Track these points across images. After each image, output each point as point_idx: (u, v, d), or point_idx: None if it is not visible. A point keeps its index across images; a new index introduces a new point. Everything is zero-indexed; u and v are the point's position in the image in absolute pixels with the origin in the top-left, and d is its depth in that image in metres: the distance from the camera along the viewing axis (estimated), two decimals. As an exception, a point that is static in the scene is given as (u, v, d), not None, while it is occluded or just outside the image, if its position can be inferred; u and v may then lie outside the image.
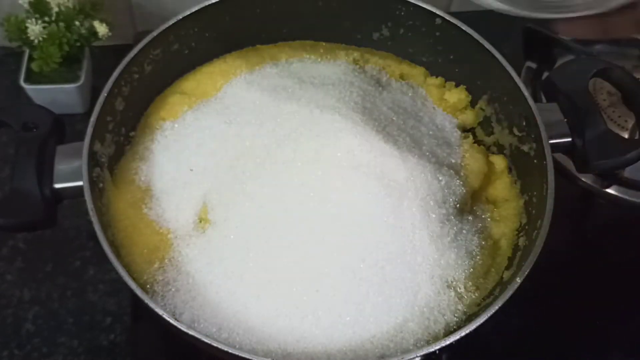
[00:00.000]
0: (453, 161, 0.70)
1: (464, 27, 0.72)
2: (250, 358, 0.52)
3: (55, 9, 0.80)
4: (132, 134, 0.71)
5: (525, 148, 0.68)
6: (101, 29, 0.82)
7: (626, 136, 0.86)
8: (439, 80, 0.78)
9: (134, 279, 0.55)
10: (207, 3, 0.72)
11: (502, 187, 0.71)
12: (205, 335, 0.53)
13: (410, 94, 0.76)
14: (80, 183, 0.59)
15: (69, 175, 0.60)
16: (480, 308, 0.61)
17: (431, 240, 0.63)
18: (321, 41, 0.80)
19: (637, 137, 0.86)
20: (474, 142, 0.75)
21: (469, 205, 0.69)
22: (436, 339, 0.60)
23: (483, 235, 0.67)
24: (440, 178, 0.66)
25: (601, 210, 0.88)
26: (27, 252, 0.78)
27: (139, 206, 0.66)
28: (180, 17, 0.71)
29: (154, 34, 0.69)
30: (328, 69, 0.77)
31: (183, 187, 0.66)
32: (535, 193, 0.66)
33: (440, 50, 0.76)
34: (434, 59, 0.78)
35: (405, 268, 0.61)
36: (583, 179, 0.86)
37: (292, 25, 0.79)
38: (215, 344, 0.52)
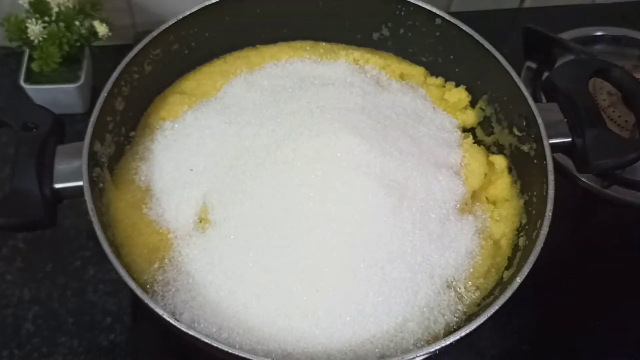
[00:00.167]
0: (453, 161, 0.70)
1: (464, 27, 0.72)
2: (250, 358, 0.52)
3: (55, 9, 0.80)
4: (132, 134, 0.72)
5: (525, 148, 0.68)
6: (101, 29, 0.82)
7: (626, 136, 0.86)
8: (439, 80, 0.78)
9: (134, 279, 0.55)
10: (207, 3, 0.72)
11: (502, 187, 0.71)
12: (205, 335, 0.53)
13: (410, 94, 0.76)
14: (80, 183, 0.59)
15: (69, 175, 0.60)
16: (480, 308, 0.61)
17: (431, 240, 0.63)
18: (321, 41, 0.80)
19: (637, 137, 0.86)
20: (474, 142, 0.74)
21: (469, 205, 0.69)
22: (436, 339, 0.60)
23: (483, 235, 0.67)
24: (440, 178, 0.66)
25: (601, 210, 0.88)
26: (27, 252, 0.78)
27: (139, 206, 0.66)
28: (180, 17, 0.71)
29: (154, 34, 0.69)
30: (328, 69, 0.77)
31: (183, 187, 0.66)
32: (535, 193, 0.66)
33: (440, 50, 0.76)
34: (434, 59, 0.78)
35: (405, 268, 0.61)
36: (583, 179, 0.86)
37: (292, 25, 0.79)
38: (215, 344, 0.52)
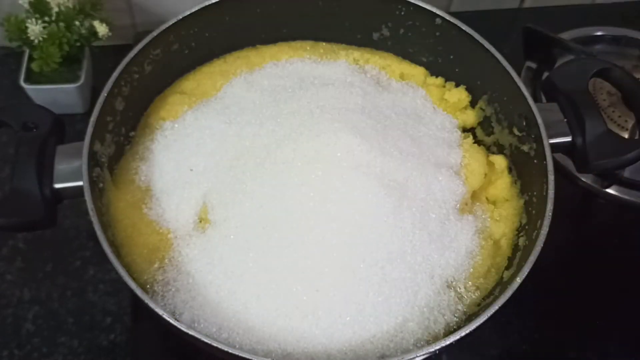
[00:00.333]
0: (453, 161, 0.70)
1: (464, 27, 0.72)
2: (250, 358, 0.52)
3: (55, 9, 0.80)
4: (132, 134, 0.72)
5: (525, 148, 0.68)
6: (101, 29, 0.82)
7: (626, 136, 0.86)
8: (439, 80, 0.78)
9: (134, 279, 0.55)
10: (207, 3, 0.72)
11: (502, 187, 0.71)
12: (205, 335, 0.53)
13: (410, 94, 0.76)
14: (80, 183, 0.59)
15: (69, 175, 0.60)
16: (480, 308, 0.61)
17: (431, 240, 0.63)
18: (321, 41, 0.80)
19: (637, 137, 0.86)
20: (474, 142, 0.74)
21: (469, 205, 0.69)
22: (436, 339, 0.60)
23: (483, 235, 0.67)
24: (440, 178, 0.66)
25: (601, 210, 0.88)
26: (27, 252, 0.78)
27: (139, 206, 0.66)
28: (180, 17, 0.71)
29: (154, 34, 0.69)
30: (328, 69, 0.77)
31: (183, 187, 0.66)
32: (535, 193, 0.66)
33: (440, 50, 0.76)
34: (434, 59, 0.78)
35: (405, 268, 0.61)
36: (583, 179, 0.86)
37: (292, 25, 0.79)
38: (215, 344, 0.52)
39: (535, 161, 0.66)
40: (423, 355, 0.55)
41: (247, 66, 0.77)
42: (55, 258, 0.77)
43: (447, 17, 0.72)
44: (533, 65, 0.95)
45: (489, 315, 0.55)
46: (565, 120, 0.67)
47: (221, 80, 0.75)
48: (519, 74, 0.70)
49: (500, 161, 0.72)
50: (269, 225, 0.61)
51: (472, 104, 0.76)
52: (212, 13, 0.73)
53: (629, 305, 0.80)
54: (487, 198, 0.71)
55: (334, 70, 0.77)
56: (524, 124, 0.68)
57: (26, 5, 0.80)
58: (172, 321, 0.53)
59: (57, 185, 0.60)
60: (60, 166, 0.60)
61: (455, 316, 0.62)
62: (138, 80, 0.69)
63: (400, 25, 0.77)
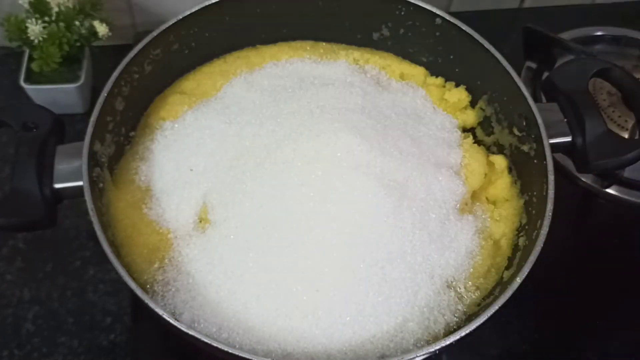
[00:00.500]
0: (453, 161, 0.70)
1: (464, 27, 0.72)
2: (250, 358, 0.52)
3: (55, 9, 0.80)
4: (132, 134, 0.72)
5: (525, 148, 0.68)
6: (101, 29, 0.82)
7: (626, 136, 0.86)
8: (439, 80, 0.78)
9: (134, 279, 0.55)
10: (207, 3, 0.72)
11: (502, 187, 0.71)
12: (205, 335, 0.53)
13: (410, 94, 0.76)
14: (80, 183, 0.59)
15: (69, 175, 0.60)
16: (480, 308, 0.61)
17: (431, 240, 0.63)
18: (321, 41, 0.80)
19: (637, 137, 0.86)
20: (474, 142, 0.74)
21: (469, 205, 0.69)
22: (436, 339, 0.60)
23: (483, 235, 0.67)
24: (440, 178, 0.66)
25: (601, 210, 0.88)
26: (27, 252, 0.78)
27: (139, 206, 0.66)
28: (180, 17, 0.71)
29: (154, 34, 0.69)
30: (328, 69, 0.77)
31: (183, 187, 0.66)
32: (535, 193, 0.66)
33: (440, 50, 0.76)
34: (434, 59, 0.78)
35: (405, 268, 0.61)
36: (583, 179, 0.86)
37: (292, 25, 0.79)
38: (215, 344, 0.52)
39: (535, 161, 0.66)
40: (423, 355, 0.55)
41: (247, 66, 0.77)
42: (55, 258, 0.77)
43: (447, 17, 0.72)
44: (533, 65, 0.95)
45: (489, 315, 0.55)
46: (565, 120, 0.67)
47: (221, 80, 0.75)
48: (519, 74, 0.70)
49: (500, 161, 0.72)
50: (269, 225, 0.61)
51: (472, 104, 0.76)
52: (212, 13, 0.73)
53: (629, 305, 0.80)
54: (487, 198, 0.71)
55: (334, 70, 0.77)
56: (524, 124, 0.68)
57: (26, 5, 0.80)
58: (172, 321, 0.53)
59: (57, 185, 0.60)
60: (60, 166, 0.60)
61: (455, 316, 0.62)
62: (138, 80, 0.69)
63: (400, 25, 0.77)
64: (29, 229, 0.63)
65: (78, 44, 0.81)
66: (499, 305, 0.55)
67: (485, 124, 0.76)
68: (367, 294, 0.60)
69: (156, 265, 0.62)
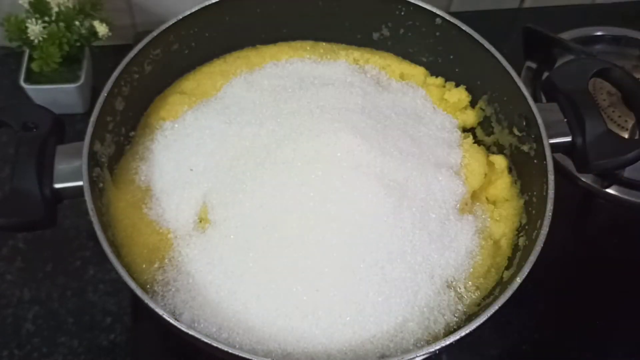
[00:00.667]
0: (453, 161, 0.70)
1: (464, 27, 0.72)
2: (250, 358, 0.52)
3: (55, 9, 0.80)
4: (132, 134, 0.72)
5: (525, 148, 0.68)
6: (101, 29, 0.82)
7: (626, 136, 0.86)
8: (439, 80, 0.78)
9: (134, 279, 0.55)
10: (207, 3, 0.72)
11: (502, 187, 0.71)
12: (205, 335, 0.53)
13: (410, 94, 0.76)
14: (80, 183, 0.59)
15: (69, 175, 0.60)
16: (480, 308, 0.61)
17: (431, 240, 0.63)
18: (321, 41, 0.80)
19: (637, 137, 0.86)
20: (474, 142, 0.74)
21: (469, 205, 0.69)
22: (436, 339, 0.60)
23: (483, 235, 0.67)
24: (440, 178, 0.66)
25: (601, 210, 0.88)
26: (27, 252, 0.78)
27: (139, 206, 0.66)
28: (180, 17, 0.71)
29: (154, 34, 0.69)
30: (328, 69, 0.77)
31: (183, 187, 0.66)
32: (535, 193, 0.66)
33: (440, 50, 0.76)
34: (434, 59, 0.78)
35: (405, 268, 0.61)
36: (583, 179, 0.86)
37: (292, 25, 0.79)
38: (215, 344, 0.52)
39: (535, 161, 0.66)
40: (423, 355, 0.55)
41: (247, 66, 0.77)
42: (55, 258, 0.77)
43: (447, 17, 0.72)
44: (533, 65, 0.95)
45: (489, 315, 0.55)
46: (565, 120, 0.67)
47: (221, 80, 0.75)
48: (519, 74, 0.70)
49: (500, 161, 0.72)
50: (269, 225, 0.61)
51: (472, 104, 0.76)
52: (212, 13, 0.73)
53: (629, 305, 0.80)
54: (487, 198, 0.71)
55: (334, 70, 0.77)
56: (524, 124, 0.68)
57: (26, 5, 0.80)
58: (172, 321, 0.53)
59: (57, 185, 0.60)
60: (60, 166, 0.60)
61: (455, 316, 0.62)
62: (138, 80, 0.69)
63: (400, 25, 0.77)
64: (29, 229, 0.63)
65: (78, 44, 0.81)
66: (499, 305, 0.55)
67: (485, 124, 0.76)
68: (367, 294, 0.60)
69: (156, 265, 0.62)
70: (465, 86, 0.76)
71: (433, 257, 0.63)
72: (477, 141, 0.75)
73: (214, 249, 0.62)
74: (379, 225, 0.61)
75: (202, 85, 0.75)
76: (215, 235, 0.63)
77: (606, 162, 0.66)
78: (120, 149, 0.69)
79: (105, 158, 0.65)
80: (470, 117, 0.76)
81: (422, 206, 0.64)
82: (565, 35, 0.96)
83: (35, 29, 0.78)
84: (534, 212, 0.65)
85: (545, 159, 0.63)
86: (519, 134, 0.69)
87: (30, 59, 0.81)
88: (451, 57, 0.76)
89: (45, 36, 0.78)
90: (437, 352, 0.55)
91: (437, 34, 0.75)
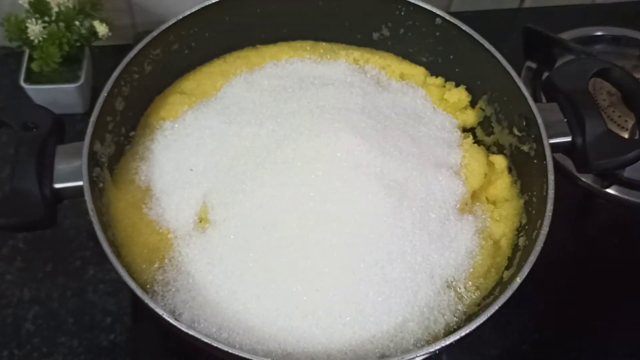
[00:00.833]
0: (453, 161, 0.70)
1: (464, 27, 0.72)
2: (250, 358, 0.52)
3: (55, 9, 0.80)
4: (132, 133, 0.72)
5: (525, 148, 0.68)
6: (101, 29, 0.82)
7: (626, 136, 0.86)
8: (439, 80, 0.78)
9: (134, 279, 0.55)
10: (207, 3, 0.72)
11: (502, 187, 0.71)
12: (205, 335, 0.53)
13: (410, 94, 0.76)
14: (80, 183, 0.59)
15: (69, 175, 0.60)
16: (480, 308, 0.61)
17: (431, 240, 0.63)
18: (321, 41, 0.80)
19: (637, 137, 0.86)
20: (474, 142, 0.74)
21: (469, 205, 0.69)
22: (436, 339, 0.60)
23: (483, 235, 0.67)
24: (440, 178, 0.66)
25: (601, 210, 0.88)
26: (27, 252, 0.78)
27: (139, 206, 0.66)
28: (180, 17, 0.71)
29: (154, 34, 0.69)
30: (328, 69, 0.77)
31: (183, 187, 0.66)
32: (535, 193, 0.66)
33: (440, 50, 0.76)
34: (434, 59, 0.78)
35: (405, 268, 0.61)
36: (583, 179, 0.86)
37: (292, 25, 0.79)
38: (215, 344, 0.52)
39: (535, 161, 0.66)
40: (423, 355, 0.55)
41: (247, 66, 0.77)
42: (55, 258, 0.77)
43: (447, 17, 0.72)
44: (533, 65, 0.95)
45: (489, 315, 0.55)
46: (565, 120, 0.67)
47: (221, 80, 0.75)
48: (519, 74, 0.70)
49: (500, 161, 0.72)
50: (269, 225, 0.61)
51: (472, 104, 0.76)
52: (212, 13, 0.73)
53: (629, 305, 0.80)
54: (487, 198, 0.71)
55: (334, 70, 0.77)
56: (524, 124, 0.68)
57: (26, 5, 0.80)
58: (172, 321, 0.53)
59: (57, 185, 0.60)
60: (60, 166, 0.60)
61: (455, 316, 0.62)
62: (138, 80, 0.69)
63: (400, 25, 0.77)
64: (29, 229, 0.63)
65: (78, 44, 0.81)
66: (499, 305, 0.55)
67: (485, 124, 0.76)
68: (367, 294, 0.60)
69: (156, 265, 0.62)
70: (465, 86, 0.76)
71: (433, 257, 0.63)
72: (477, 141, 0.76)
73: (214, 249, 0.62)
74: (379, 225, 0.61)
75: (202, 85, 0.75)
76: (215, 235, 0.63)
77: (606, 162, 0.66)
78: (120, 149, 0.69)
79: (105, 158, 0.65)
80: (470, 117, 0.76)
81: (422, 206, 0.64)
82: (565, 35, 0.96)
83: (35, 29, 0.78)
84: (534, 212, 0.65)
85: (545, 159, 0.63)
86: (519, 134, 0.69)
87: (30, 59, 0.81)
88: (451, 57, 0.76)
89: (45, 36, 0.78)
90: (437, 352, 0.55)
91: (437, 34, 0.75)
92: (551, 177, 0.62)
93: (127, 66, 0.67)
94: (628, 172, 0.85)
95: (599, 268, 0.82)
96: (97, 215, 0.57)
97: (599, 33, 0.99)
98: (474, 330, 0.54)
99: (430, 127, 0.72)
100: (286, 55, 0.78)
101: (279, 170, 0.63)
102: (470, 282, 0.64)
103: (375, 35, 0.80)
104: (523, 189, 0.69)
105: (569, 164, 0.72)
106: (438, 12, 0.73)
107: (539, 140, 0.65)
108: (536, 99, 0.81)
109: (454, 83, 0.77)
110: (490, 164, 0.72)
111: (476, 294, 0.64)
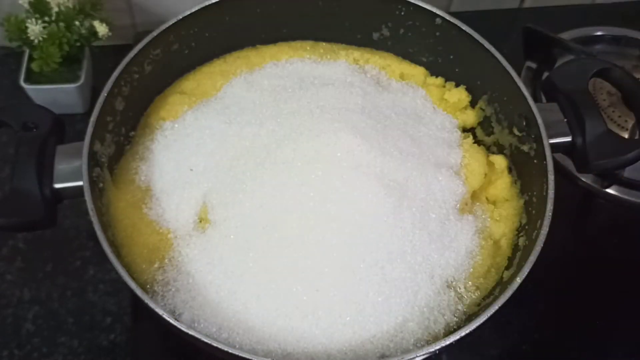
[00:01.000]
0: (453, 161, 0.70)
1: (464, 27, 0.72)
2: (250, 358, 0.52)
3: (55, 9, 0.80)
4: (132, 133, 0.72)
5: (525, 148, 0.68)
6: (101, 29, 0.82)
7: (626, 136, 0.86)
8: (439, 80, 0.78)
9: (134, 279, 0.55)
10: (207, 3, 0.72)
11: (502, 187, 0.71)
12: (205, 335, 0.53)
13: (410, 94, 0.76)
14: (80, 183, 0.59)
15: (69, 175, 0.60)
16: (480, 308, 0.61)
17: (431, 240, 0.63)
18: (321, 41, 0.80)
19: (637, 137, 0.86)
20: (474, 142, 0.74)
21: (469, 205, 0.69)
22: (436, 339, 0.60)
23: (483, 235, 0.67)
24: (440, 178, 0.66)
25: (601, 210, 0.88)
26: (27, 252, 0.78)
27: (139, 206, 0.66)
28: (180, 17, 0.71)
29: (154, 34, 0.69)
30: (328, 69, 0.77)
31: (183, 187, 0.66)
32: (535, 193, 0.66)
33: (440, 50, 0.76)
34: (434, 59, 0.78)
35: (405, 268, 0.61)
36: (583, 179, 0.86)
37: (292, 25, 0.79)
38: (215, 344, 0.52)
39: (535, 161, 0.66)
40: (423, 355, 0.55)
41: (247, 66, 0.77)
42: (55, 258, 0.77)
43: (447, 17, 0.72)
44: (533, 65, 0.95)
45: (489, 315, 0.55)
46: (565, 120, 0.67)
47: (221, 80, 0.75)
48: (519, 74, 0.70)
49: (500, 161, 0.72)
50: (269, 225, 0.61)
51: (472, 104, 0.76)
52: (212, 13, 0.73)
53: (629, 305, 0.80)
54: (487, 198, 0.71)
55: (334, 70, 0.77)
56: (524, 124, 0.68)
57: (26, 5, 0.80)
58: (172, 321, 0.53)
59: (57, 185, 0.60)
60: (60, 166, 0.60)
61: (455, 316, 0.62)
62: (138, 80, 0.69)
63: (400, 25, 0.77)
64: (29, 229, 0.63)
65: (78, 44, 0.81)
66: (499, 305, 0.55)
67: (485, 124, 0.76)
68: (367, 294, 0.60)
69: (156, 265, 0.62)
70: (465, 86, 0.76)
71: (433, 257, 0.63)
72: (477, 141, 0.76)
73: (214, 249, 0.62)
74: (379, 225, 0.61)
75: (202, 85, 0.76)
76: (215, 235, 0.63)
77: (606, 162, 0.66)
78: (120, 149, 0.69)
79: (105, 158, 0.65)
80: (470, 117, 0.76)
81: (422, 206, 0.64)
82: (565, 35, 0.96)
83: (35, 29, 0.78)
84: (534, 212, 0.65)
85: (545, 159, 0.63)
86: (519, 134, 0.69)
87: (30, 59, 0.81)
88: (451, 57, 0.76)
89: (45, 36, 0.78)
90: (437, 352, 0.55)
91: (437, 34, 0.75)
92: (551, 177, 0.62)
93: (127, 66, 0.67)
94: (628, 172, 0.85)
95: (599, 268, 0.82)
96: (97, 215, 0.57)
97: (599, 33, 0.99)
98: (474, 330, 0.54)
99: (430, 127, 0.73)
100: (286, 55, 0.78)
101: (279, 170, 0.63)
102: (470, 282, 0.64)
103: (375, 35, 0.80)
104: (523, 189, 0.69)
105: (569, 164, 0.72)
106: (438, 12, 0.73)
107: (539, 140, 0.65)
108: (536, 99, 0.81)
109: (454, 83, 0.77)
110: (490, 164, 0.72)
111: (476, 294, 0.64)
